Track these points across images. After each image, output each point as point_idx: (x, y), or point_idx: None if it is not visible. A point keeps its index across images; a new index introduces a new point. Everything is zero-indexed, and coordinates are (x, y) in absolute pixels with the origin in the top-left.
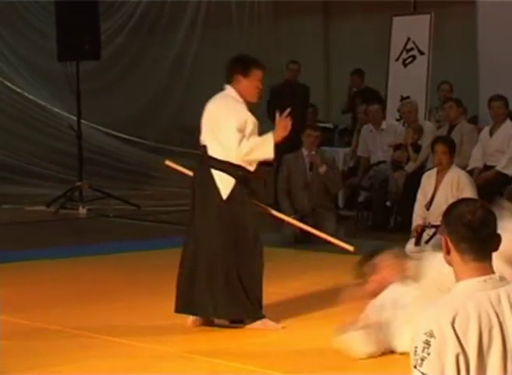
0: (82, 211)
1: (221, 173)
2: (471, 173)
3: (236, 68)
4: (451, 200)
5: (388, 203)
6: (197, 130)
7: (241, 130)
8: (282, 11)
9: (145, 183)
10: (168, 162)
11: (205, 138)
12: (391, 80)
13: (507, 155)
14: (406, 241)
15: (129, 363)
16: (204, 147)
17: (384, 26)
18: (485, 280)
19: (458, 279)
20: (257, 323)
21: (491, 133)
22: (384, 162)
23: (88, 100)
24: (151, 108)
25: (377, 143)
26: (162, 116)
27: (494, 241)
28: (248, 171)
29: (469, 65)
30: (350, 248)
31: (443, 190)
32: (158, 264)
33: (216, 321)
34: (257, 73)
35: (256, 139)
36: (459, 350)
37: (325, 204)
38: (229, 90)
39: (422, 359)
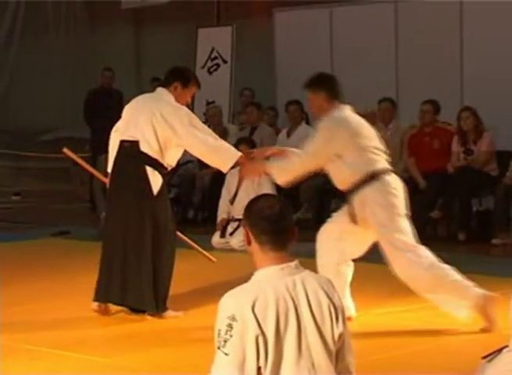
0: None
1: (153, 170)
2: None
3: (179, 76)
4: (252, 195)
5: (195, 199)
6: (16, 132)
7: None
8: (97, 18)
9: None
10: (66, 151)
11: (136, 134)
12: None
13: None
14: (212, 233)
15: None
16: (136, 142)
17: (190, 36)
18: (282, 268)
19: (258, 267)
20: (164, 314)
21: (288, 135)
22: (191, 161)
23: None
24: None
25: None
26: None
27: (290, 233)
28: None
29: (268, 72)
30: (213, 259)
31: (245, 186)
32: None
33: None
34: (193, 89)
35: (224, 143)
36: (258, 332)
37: None
38: (165, 92)
39: (225, 341)
